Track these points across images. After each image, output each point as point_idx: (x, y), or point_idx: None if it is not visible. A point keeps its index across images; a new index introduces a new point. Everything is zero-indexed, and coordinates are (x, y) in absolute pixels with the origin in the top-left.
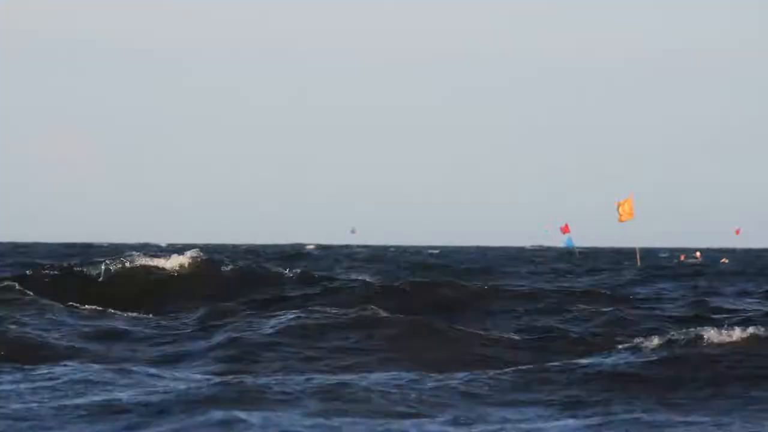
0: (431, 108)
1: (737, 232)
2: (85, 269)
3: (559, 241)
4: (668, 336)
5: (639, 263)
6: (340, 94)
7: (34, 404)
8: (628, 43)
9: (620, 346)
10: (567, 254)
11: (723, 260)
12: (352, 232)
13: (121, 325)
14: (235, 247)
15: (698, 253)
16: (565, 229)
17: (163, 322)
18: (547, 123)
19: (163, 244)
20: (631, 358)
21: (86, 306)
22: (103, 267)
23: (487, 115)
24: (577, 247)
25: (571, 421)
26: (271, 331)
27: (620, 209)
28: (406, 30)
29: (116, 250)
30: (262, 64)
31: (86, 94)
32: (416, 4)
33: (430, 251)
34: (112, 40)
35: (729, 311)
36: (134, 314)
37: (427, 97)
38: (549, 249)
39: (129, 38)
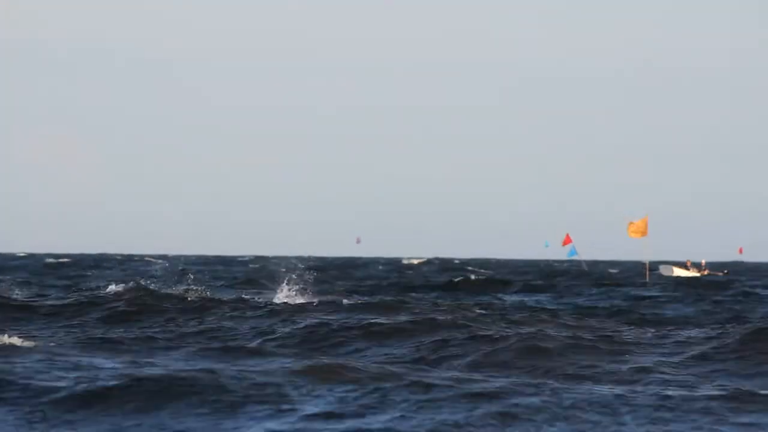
0: (432, 111)
1: (740, 250)
2: None
3: (556, 254)
4: None
5: (648, 278)
6: (343, 96)
7: None
8: (634, 50)
9: None
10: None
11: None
12: (357, 242)
13: None
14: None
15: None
16: (566, 240)
17: None
18: (549, 130)
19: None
20: None
21: None
22: None
23: (488, 122)
24: (585, 262)
25: None
26: None
27: (632, 227)
28: (407, 34)
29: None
30: (263, 67)
31: (83, 97)
32: (420, 8)
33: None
34: (109, 44)
35: None
36: None
37: (428, 100)
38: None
39: (126, 42)
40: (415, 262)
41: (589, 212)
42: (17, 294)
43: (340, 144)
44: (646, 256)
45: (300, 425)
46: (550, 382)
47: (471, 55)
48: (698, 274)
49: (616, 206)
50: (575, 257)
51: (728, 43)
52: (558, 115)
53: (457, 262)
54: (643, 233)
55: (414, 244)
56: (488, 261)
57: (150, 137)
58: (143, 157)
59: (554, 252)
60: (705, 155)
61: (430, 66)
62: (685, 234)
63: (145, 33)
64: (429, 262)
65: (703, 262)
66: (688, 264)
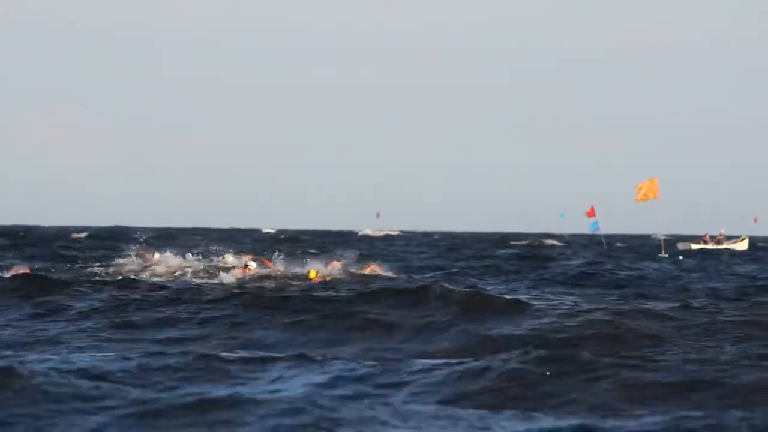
0: (444, 97)
1: (755, 220)
2: None
3: (572, 226)
4: None
5: (663, 252)
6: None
7: None
8: (647, 33)
9: None
10: (597, 242)
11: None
12: (377, 216)
13: None
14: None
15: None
16: (591, 213)
17: None
18: (564, 113)
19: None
20: None
21: None
22: None
23: (505, 105)
24: (605, 236)
25: None
26: None
27: (641, 189)
28: (418, 19)
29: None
30: (268, 52)
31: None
32: None
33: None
34: (110, 28)
35: None
36: None
37: (437, 88)
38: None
39: (129, 26)
40: (370, 233)
41: (599, 191)
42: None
43: (351, 123)
44: (660, 228)
45: None
46: None
47: (481, 36)
48: (713, 247)
49: (626, 185)
50: (597, 232)
51: (731, 27)
52: (568, 95)
53: (436, 236)
54: (654, 195)
55: (432, 219)
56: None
57: (158, 120)
58: (151, 138)
59: (569, 224)
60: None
61: (442, 47)
62: (698, 207)
63: (152, 17)
64: (388, 236)
65: (722, 232)
66: (707, 237)
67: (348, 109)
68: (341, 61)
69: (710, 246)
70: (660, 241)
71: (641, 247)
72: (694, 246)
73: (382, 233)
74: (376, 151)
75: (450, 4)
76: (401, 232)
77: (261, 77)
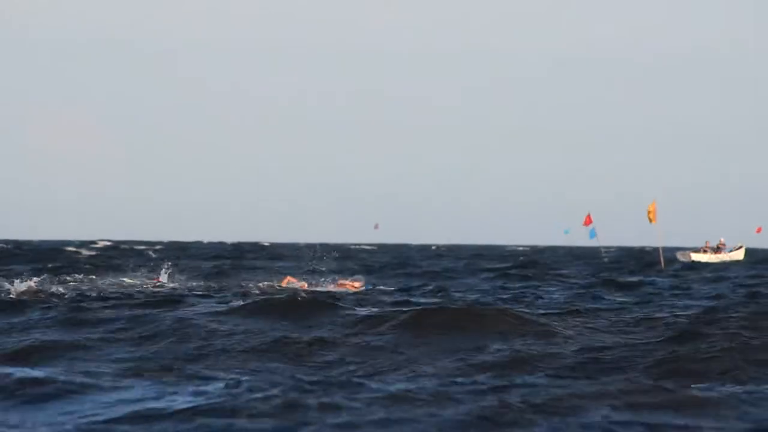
0: (440, 102)
1: (758, 230)
2: None
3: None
4: None
5: (663, 266)
6: (344, 87)
7: None
8: (645, 39)
9: None
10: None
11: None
12: (376, 227)
13: None
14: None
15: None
16: (587, 221)
17: None
18: (556, 121)
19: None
20: None
21: None
22: None
23: (496, 113)
24: (604, 248)
25: None
26: None
27: (649, 214)
28: (414, 25)
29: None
30: (268, 58)
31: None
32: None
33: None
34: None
35: None
36: None
37: (436, 92)
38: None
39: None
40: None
41: (596, 199)
42: None
43: (346, 131)
44: (659, 241)
45: None
46: None
47: (477, 41)
48: (712, 260)
49: (624, 192)
50: (595, 241)
51: (728, 30)
52: (565, 100)
53: (434, 248)
54: (652, 219)
55: (428, 231)
56: (497, 247)
57: (163, 127)
58: (157, 145)
59: (574, 238)
60: (713, 142)
61: (435, 53)
62: (697, 217)
63: (154, 23)
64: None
65: (721, 240)
66: (707, 246)
67: (347, 115)
68: (339, 67)
69: (708, 256)
70: (660, 256)
71: (634, 260)
72: (694, 256)
73: (355, 248)
74: (376, 158)
75: (449, 5)
76: (376, 246)
77: (260, 80)
